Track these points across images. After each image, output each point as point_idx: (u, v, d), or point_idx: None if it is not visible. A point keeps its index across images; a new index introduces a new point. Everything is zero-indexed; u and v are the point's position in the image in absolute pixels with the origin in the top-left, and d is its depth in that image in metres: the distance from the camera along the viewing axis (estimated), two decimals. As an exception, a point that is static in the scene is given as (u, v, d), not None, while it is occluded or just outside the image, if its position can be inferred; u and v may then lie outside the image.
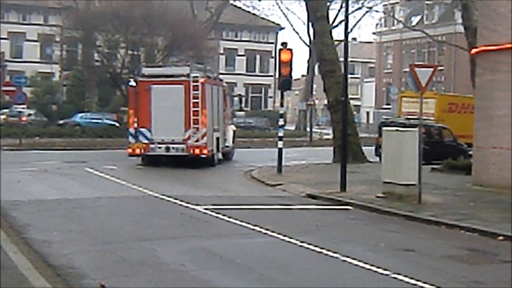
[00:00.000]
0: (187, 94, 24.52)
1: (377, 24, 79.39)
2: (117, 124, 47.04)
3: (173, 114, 24.50)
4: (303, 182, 20.62)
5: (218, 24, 61.64)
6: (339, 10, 57.85)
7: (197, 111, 24.42)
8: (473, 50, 22.89)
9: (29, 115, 43.67)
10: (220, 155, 27.31)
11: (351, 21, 60.98)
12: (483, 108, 20.16)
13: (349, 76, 20.58)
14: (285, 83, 23.25)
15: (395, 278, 9.08)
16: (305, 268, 9.67)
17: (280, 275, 9.20)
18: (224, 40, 68.73)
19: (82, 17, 46.47)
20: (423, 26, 64.53)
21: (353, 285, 8.99)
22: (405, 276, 9.09)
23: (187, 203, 15.71)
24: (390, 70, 76.77)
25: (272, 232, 12.15)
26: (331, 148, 29.31)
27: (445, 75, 65.75)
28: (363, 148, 29.29)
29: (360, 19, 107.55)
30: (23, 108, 35.50)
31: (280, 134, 23.78)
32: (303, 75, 79.47)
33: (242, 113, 54.48)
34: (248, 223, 13.00)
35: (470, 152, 23.81)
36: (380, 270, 9.41)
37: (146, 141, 24.91)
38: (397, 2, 70.84)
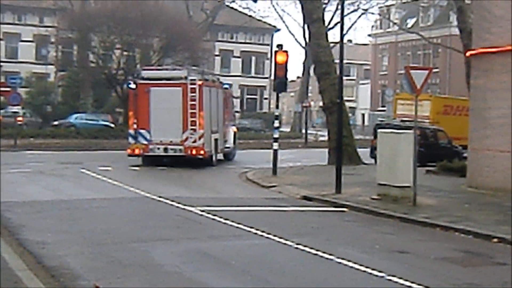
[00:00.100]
0: (185, 96, 25.05)
1: (372, 26, 79.52)
2: (112, 125, 46.98)
3: (171, 115, 25.03)
4: (298, 184, 20.63)
5: (213, 26, 61.63)
6: (334, 12, 57.99)
7: (194, 113, 25.01)
8: (468, 53, 22.94)
9: (24, 113, 43.59)
10: (219, 156, 27.85)
11: (347, 23, 61.05)
12: (477, 110, 20.20)
13: (344, 78, 20.61)
14: (280, 85, 23.27)
15: (390, 280, 9.08)
16: (300, 270, 9.67)
17: (275, 277, 9.19)
18: (220, 42, 68.66)
19: (78, 18, 46.41)
20: (419, 28, 64.60)
21: (348, 286, 8.99)
22: (400, 278, 9.10)
23: (182, 204, 15.70)
24: (385, 72, 76.86)
25: (267, 234, 12.15)
26: (326, 150, 29.34)
27: (440, 77, 65.85)
28: (358, 150, 29.34)
29: (355, 21, 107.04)
30: (17, 109, 35.43)
31: (276, 135, 23.80)
32: (298, 77, 79.61)
33: (237, 114, 54.47)
34: (243, 225, 13.00)
35: (465, 154, 23.85)
36: (375, 272, 9.41)
37: (145, 142, 25.50)
38: (392, 4, 70.90)
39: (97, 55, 46.74)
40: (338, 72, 21.38)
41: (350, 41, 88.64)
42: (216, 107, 27.37)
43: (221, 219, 13.69)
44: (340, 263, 10.01)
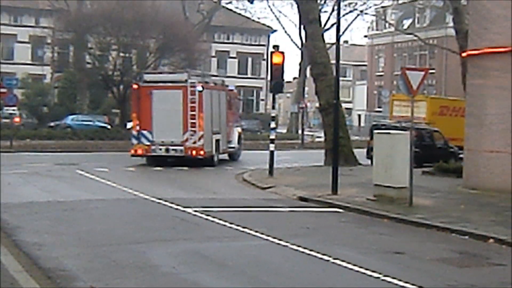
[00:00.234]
0: (185, 98, 25.87)
1: (368, 27, 79.58)
2: (109, 127, 46.96)
3: (172, 117, 25.88)
4: (295, 184, 20.63)
5: (210, 27, 61.62)
6: (331, 13, 58.01)
7: (194, 114, 25.82)
8: (464, 53, 22.98)
9: (20, 115, 43.55)
10: (224, 156, 28.95)
11: (343, 24, 61.20)
12: (474, 112, 20.23)
13: (340, 79, 20.62)
14: (277, 86, 23.28)
15: (385, 280, 9.09)
16: (296, 271, 9.68)
17: (271, 278, 9.20)
18: (216, 43, 68.67)
19: (74, 19, 46.38)
20: (415, 29, 64.64)
21: (344, 287, 9.00)
22: (396, 278, 9.11)
23: (179, 205, 15.70)
24: (381, 73, 76.94)
25: (264, 234, 12.16)
26: (323, 150, 29.34)
27: (437, 78, 65.91)
28: (355, 151, 29.35)
29: (351, 22, 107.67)
30: (13, 110, 35.39)
31: (272, 136, 23.81)
32: (295, 78, 79.53)
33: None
34: (240, 226, 13.00)
35: (461, 155, 23.87)
36: (371, 273, 9.42)
37: (148, 143, 26.34)
38: (388, 5, 70.97)
39: (94, 56, 46.73)
40: (334, 73, 21.39)
41: (346, 42, 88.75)
42: (218, 109, 27.98)
43: (218, 220, 13.69)
44: (336, 263, 10.02)
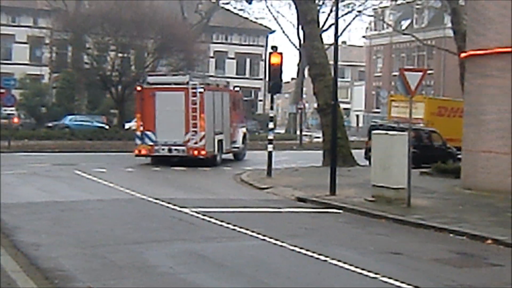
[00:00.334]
0: (187, 100, 26.45)
1: (367, 28, 79.60)
2: (107, 127, 46.94)
3: (174, 118, 26.48)
4: (293, 185, 20.63)
5: (208, 27, 61.61)
6: (329, 14, 58.08)
7: (196, 115, 26.39)
8: (462, 54, 23.00)
9: (18, 115, 43.51)
10: (229, 156, 30.08)
11: (341, 24, 61.14)
12: (472, 112, 20.25)
13: (339, 79, 20.62)
14: (275, 86, 23.29)
15: (384, 281, 9.10)
16: (295, 271, 9.68)
17: (270, 278, 9.19)
18: (214, 43, 68.66)
19: (72, 19, 46.34)
20: (413, 30, 64.74)
21: (342, 287, 9.02)
22: (394, 279, 9.11)
23: (176, 206, 15.69)
24: (379, 74, 76.96)
25: (262, 235, 12.15)
26: (321, 151, 29.37)
27: (435, 79, 65.95)
28: (353, 151, 29.35)
29: (350, 23, 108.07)
30: (11, 110, 35.35)
31: (270, 137, 23.81)
32: (293, 78, 79.62)
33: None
34: (238, 226, 13.00)
35: (459, 156, 23.89)
36: (369, 273, 9.42)
37: (151, 143, 26.97)
38: (387, 6, 71.02)
39: (92, 56, 46.68)
40: (332, 73, 21.39)
41: (344, 42, 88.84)
42: (220, 110, 28.56)
43: (215, 221, 13.69)
44: (334, 264, 10.02)
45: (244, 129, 32.40)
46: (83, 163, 27.22)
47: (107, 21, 44.98)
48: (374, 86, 77.16)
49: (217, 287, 8.80)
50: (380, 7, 69.89)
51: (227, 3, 64.14)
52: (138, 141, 27.33)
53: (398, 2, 67.13)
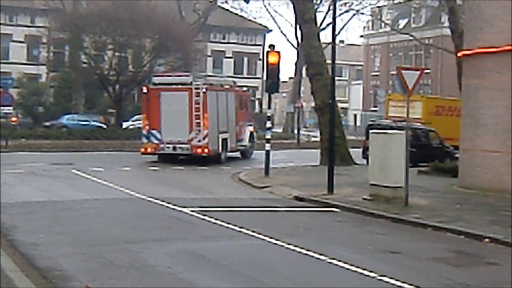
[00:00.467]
0: (190, 99, 27.15)
1: (364, 27, 79.63)
2: (104, 126, 46.87)
3: (179, 117, 27.15)
4: (291, 184, 20.63)
5: (205, 26, 61.54)
6: (326, 13, 57.95)
7: (199, 115, 27.06)
8: (460, 53, 23.02)
9: (16, 114, 43.46)
10: (236, 154, 31.14)
11: (339, 23, 61.13)
12: (469, 111, 20.27)
13: (336, 78, 20.64)
14: (272, 86, 23.28)
15: (381, 280, 9.10)
16: (292, 270, 9.69)
17: (267, 277, 9.20)
18: (212, 42, 68.63)
19: (69, 19, 46.25)
20: (410, 29, 64.76)
21: (340, 287, 9.01)
22: (392, 278, 9.12)
23: (174, 205, 15.69)
24: (377, 73, 76.99)
25: (259, 234, 12.16)
26: (319, 150, 29.36)
27: (432, 78, 66.00)
28: (351, 150, 29.36)
29: (347, 22, 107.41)
30: (9, 109, 35.30)
31: (268, 136, 23.82)
32: (290, 78, 79.52)
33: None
34: (235, 225, 13.00)
35: (457, 155, 23.91)
36: (366, 272, 9.43)
37: (157, 142, 27.72)
38: (384, 5, 71.03)
39: (89, 55, 46.62)
40: (330, 72, 21.40)
41: (342, 41, 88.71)
42: (225, 109, 29.19)
43: (213, 220, 13.69)
44: (331, 263, 10.03)
45: (251, 128, 33.00)
46: (81, 162, 27.19)
47: (105, 20, 44.91)
48: (372, 85, 77.21)
49: (215, 286, 8.80)
50: (378, 6, 69.87)
51: (225, 2, 64.10)
52: (144, 140, 28.08)
53: (396, 1, 67.12)
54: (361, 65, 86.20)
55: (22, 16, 60.62)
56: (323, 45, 31.31)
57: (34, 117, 50.66)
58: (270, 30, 72.29)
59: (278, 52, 22.96)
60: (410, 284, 8.84)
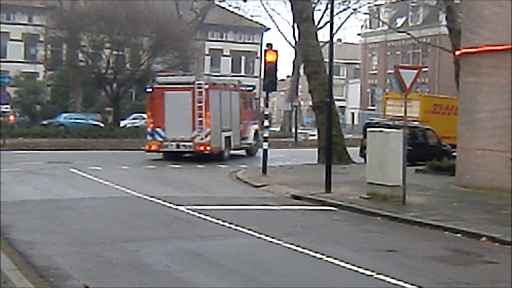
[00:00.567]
0: (193, 99, 27.87)
1: (362, 26, 79.65)
2: (102, 125, 46.86)
3: (182, 116, 27.93)
4: (288, 183, 20.63)
5: (203, 25, 61.55)
6: (324, 12, 58.01)
7: (201, 113, 27.79)
8: (457, 52, 23.02)
9: (14, 113, 43.44)
10: (241, 152, 31.95)
11: (336, 22, 61.21)
12: (466, 110, 20.28)
13: (334, 77, 20.64)
14: (270, 84, 23.27)
15: (379, 278, 9.11)
16: (290, 269, 9.69)
17: (265, 276, 9.20)
18: (210, 41, 68.64)
19: (67, 17, 46.28)
20: (408, 28, 64.74)
21: (337, 285, 9.01)
22: (389, 276, 9.12)
23: (172, 203, 15.69)
24: (375, 71, 77.02)
25: (257, 233, 12.16)
26: (316, 149, 29.37)
27: (430, 76, 66.04)
28: (348, 149, 29.37)
29: (345, 21, 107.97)
30: (6, 108, 35.28)
31: (265, 135, 23.83)
32: (288, 76, 79.57)
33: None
34: (233, 224, 13.00)
35: (454, 154, 23.92)
36: (363, 271, 9.43)
37: (161, 139, 28.52)
38: (382, 4, 71.06)
39: (87, 54, 46.62)
40: (327, 71, 21.39)
41: (339, 40, 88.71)
42: (228, 108, 29.77)
43: (211, 218, 13.68)
44: (329, 262, 10.03)
45: (256, 126, 33.39)
46: (78, 161, 27.19)
47: (102, 19, 44.93)
48: (369, 83, 77.23)
49: (212, 285, 8.79)
50: (376, 5, 69.92)
51: (222, 1, 64.15)
52: (149, 137, 28.93)
53: (393, 0, 67.16)
54: (358, 64, 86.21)
55: (19, 14, 60.58)
56: (321, 44, 31.30)
57: (32, 116, 50.65)
58: (268, 29, 72.32)
59: (276, 51, 22.95)
60: (407, 283, 8.84)
